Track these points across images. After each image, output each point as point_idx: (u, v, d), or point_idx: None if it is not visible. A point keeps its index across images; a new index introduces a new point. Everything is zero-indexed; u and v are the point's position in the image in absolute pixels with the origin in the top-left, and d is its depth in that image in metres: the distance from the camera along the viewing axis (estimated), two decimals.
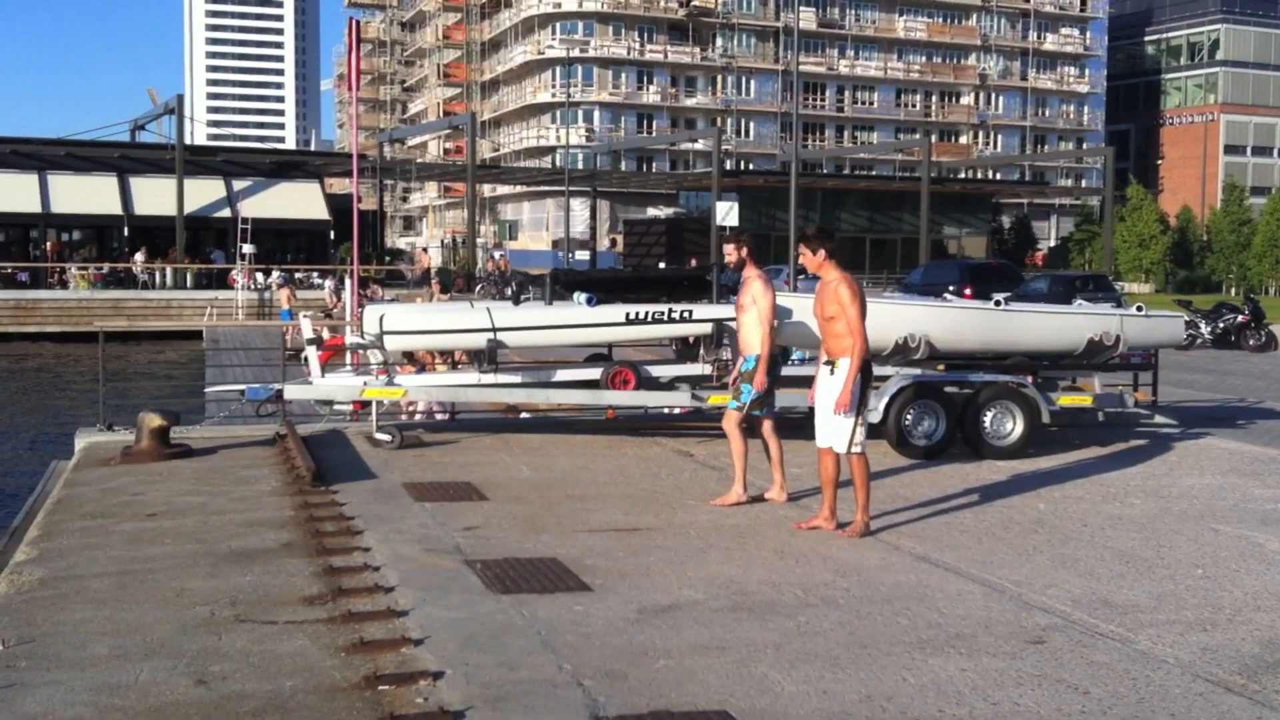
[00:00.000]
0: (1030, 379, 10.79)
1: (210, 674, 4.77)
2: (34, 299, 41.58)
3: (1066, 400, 11.16)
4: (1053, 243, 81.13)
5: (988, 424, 10.36)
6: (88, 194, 47.88)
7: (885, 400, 10.27)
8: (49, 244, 47.24)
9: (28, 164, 47.82)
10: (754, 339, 8.11)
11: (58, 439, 18.12)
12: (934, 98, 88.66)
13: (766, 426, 8.24)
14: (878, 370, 11.10)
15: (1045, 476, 9.52)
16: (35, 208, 46.90)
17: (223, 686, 4.65)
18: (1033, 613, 5.79)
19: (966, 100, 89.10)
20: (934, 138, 79.22)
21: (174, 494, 8.32)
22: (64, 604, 5.76)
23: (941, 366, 10.77)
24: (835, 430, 7.31)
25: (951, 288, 25.45)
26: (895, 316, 10.82)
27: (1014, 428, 10.40)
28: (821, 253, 7.44)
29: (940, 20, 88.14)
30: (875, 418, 10.22)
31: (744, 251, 8.51)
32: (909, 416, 10.36)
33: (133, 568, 6.38)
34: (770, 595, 6.02)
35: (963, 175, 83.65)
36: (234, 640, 5.19)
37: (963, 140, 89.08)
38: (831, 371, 7.33)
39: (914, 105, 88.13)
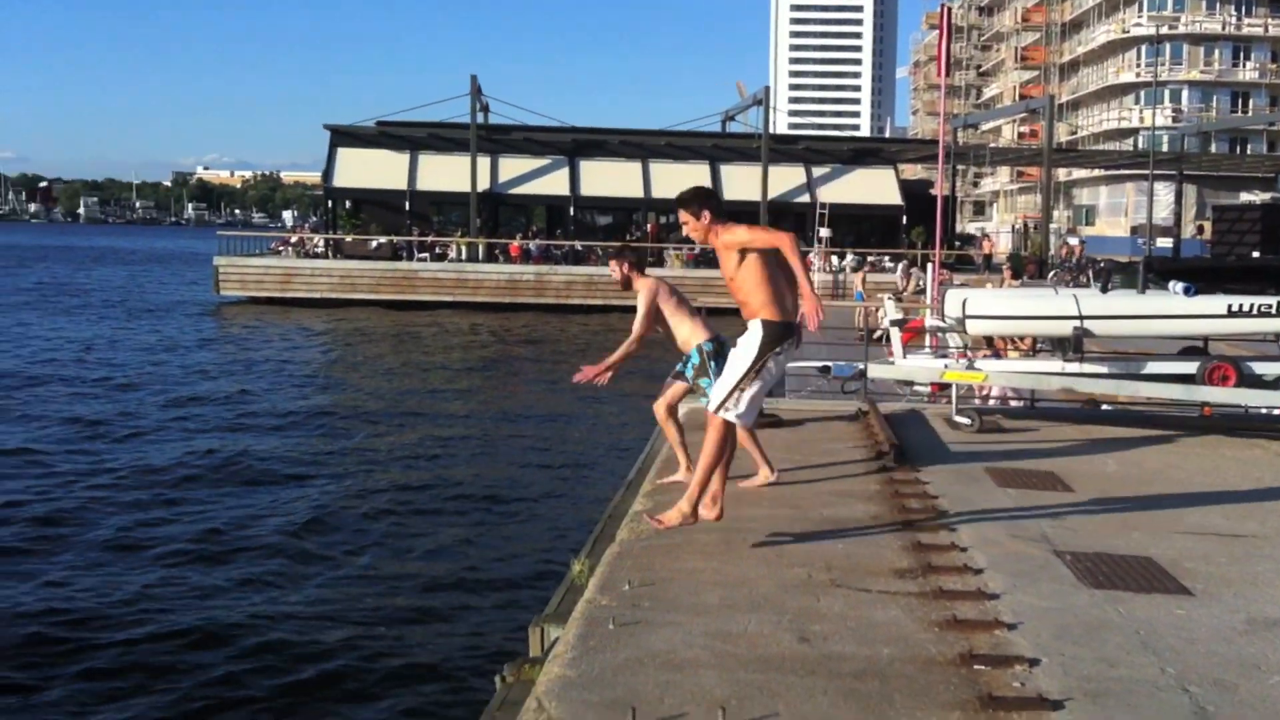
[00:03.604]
0: None
1: (811, 633, 5.04)
2: None
3: None
4: None
5: None
6: (683, 180, 51.35)
7: None
8: (649, 226, 51.41)
9: (634, 153, 52.37)
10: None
11: None
12: None
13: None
14: None
15: None
16: (639, 193, 51.33)
17: (823, 646, 4.90)
18: None
19: None
20: None
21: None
22: (677, 553, 6.30)
23: None
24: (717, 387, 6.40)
25: None
26: None
27: None
28: (706, 215, 6.47)
29: None
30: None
31: (624, 268, 8.06)
32: None
33: (735, 525, 6.85)
34: None
35: None
36: (831, 603, 5.45)
37: None
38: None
39: None
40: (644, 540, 6.57)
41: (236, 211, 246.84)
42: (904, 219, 52.12)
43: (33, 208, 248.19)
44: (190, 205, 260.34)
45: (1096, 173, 74.57)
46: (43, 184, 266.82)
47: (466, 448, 19.04)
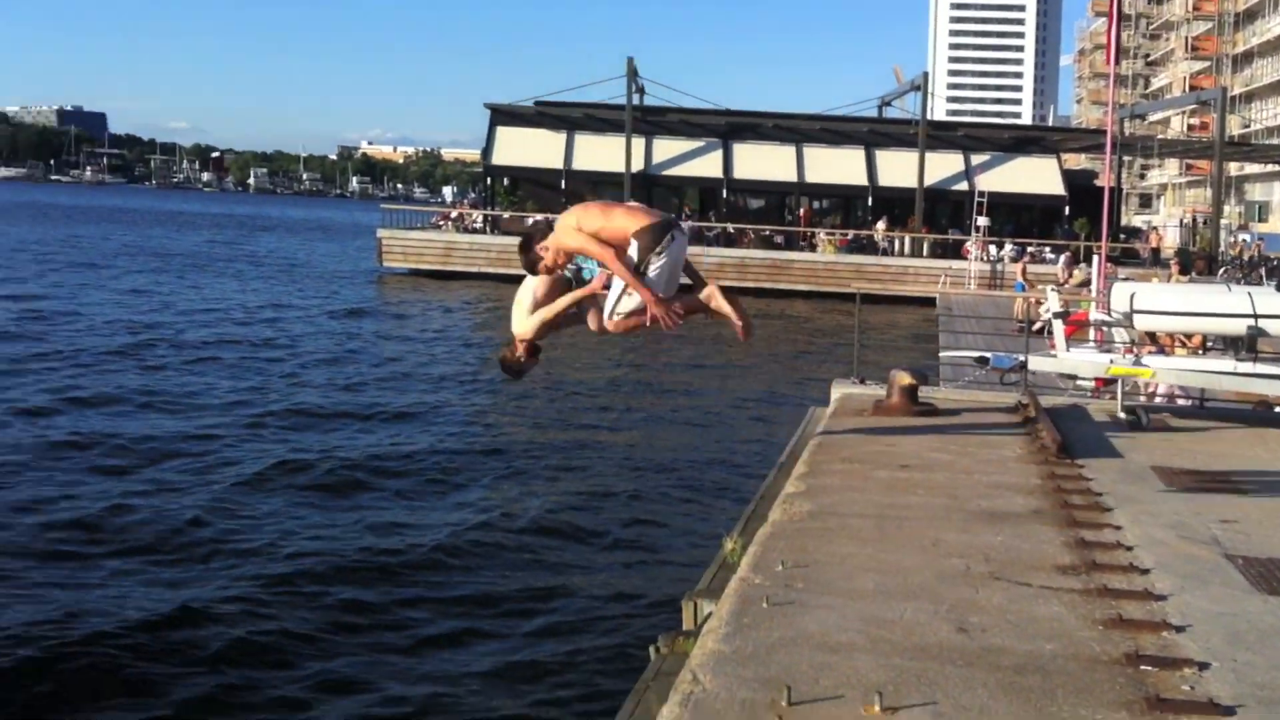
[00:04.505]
0: None
1: (969, 624, 4.96)
2: (787, 259, 45.46)
3: None
4: None
5: None
6: (837, 165, 51.17)
7: None
8: (802, 210, 51.12)
9: (787, 137, 52.02)
10: None
11: (812, 387, 19.77)
12: None
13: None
14: None
15: None
16: (792, 177, 51.01)
17: (982, 638, 4.81)
18: None
19: None
20: None
21: (923, 449, 8.70)
22: (831, 537, 6.26)
23: None
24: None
25: None
26: None
27: None
28: (540, 248, 7.58)
29: None
30: None
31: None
32: None
33: (889, 513, 6.77)
34: None
35: None
36: (990, 595, 5.34)
37: None
38: None
39: None
40: (797, 522, 6.55)
41: (398, 186, 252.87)
42: (1066, 210, 50.74)
43: (206, 177, 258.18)
44: (355, 179, 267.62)
45: (1270, 168, 71.45)
46: (215, 154, 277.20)
47: (615, 420, 19.22)
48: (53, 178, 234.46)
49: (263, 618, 9.56)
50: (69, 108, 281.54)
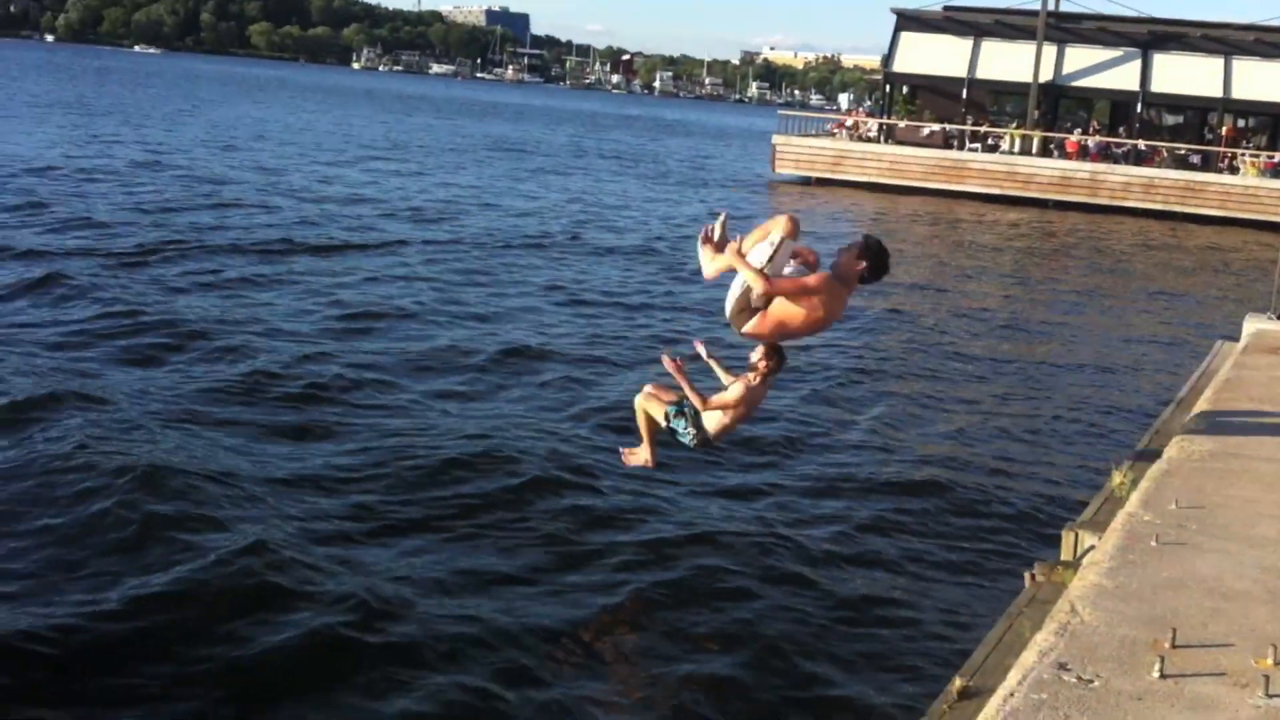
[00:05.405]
0: None
1: None
2: (1202, 181, 42.36)
3: None
4: None
5: None
6: (1271, 81, 46.72)
7: None
8: (1225, 129, 47.21)
9: (1215, 48, 48.00)
10: None
11: (1219, 320, 18.50)
12: None
13: None
14: None
15: None
16: (1217, 92, 47.12)
17: None
18: None
19: None
20: None
21: None
22: (1232, 480, 5.90)
23: None
24: None
25: None
26: None
27: None
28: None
29: None
30: None
31: None
32: None
33: None
34: None
35: None
36: None
37: None
38: None
39: None
40: (1195, 461, 6.21)
41: (795, 92, 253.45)
42: None
43: (615, 79, 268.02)
44: (754, 84, 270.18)
45: None
46: (625, 57, 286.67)
47: (1000, 338, 18.66)
48: (478, 75, 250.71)
49: (656, 482, 9.92)
50: (496, 8, 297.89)
